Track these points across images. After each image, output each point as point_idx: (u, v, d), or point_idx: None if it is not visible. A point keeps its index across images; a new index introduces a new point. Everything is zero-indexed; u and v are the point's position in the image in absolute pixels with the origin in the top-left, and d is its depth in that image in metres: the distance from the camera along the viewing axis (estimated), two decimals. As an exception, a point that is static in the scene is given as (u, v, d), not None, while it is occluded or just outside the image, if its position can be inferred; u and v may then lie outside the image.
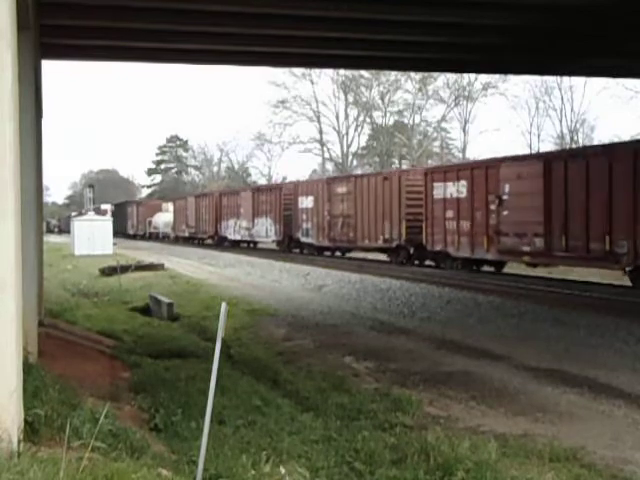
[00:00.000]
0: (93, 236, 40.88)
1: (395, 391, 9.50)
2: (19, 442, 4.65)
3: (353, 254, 35.42)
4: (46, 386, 6.46)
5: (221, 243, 48.15)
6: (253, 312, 17.21)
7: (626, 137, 35.14)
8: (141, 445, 5.78)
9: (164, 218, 64.92)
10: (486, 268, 25.82)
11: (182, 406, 7.69)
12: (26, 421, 5.01)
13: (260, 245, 45.15)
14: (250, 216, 43.01)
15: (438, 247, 26.47)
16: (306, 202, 36.20)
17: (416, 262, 28.59)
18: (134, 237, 69.96)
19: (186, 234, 55.95)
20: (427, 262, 28.57)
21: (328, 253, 35.86)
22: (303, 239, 36.91)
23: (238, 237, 45.95)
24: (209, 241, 51.92)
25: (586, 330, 14.22)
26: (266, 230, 41.10)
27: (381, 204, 29.69)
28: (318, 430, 7.40)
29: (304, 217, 36.43)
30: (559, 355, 12.16)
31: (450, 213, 25.64)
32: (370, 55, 17.24)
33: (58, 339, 11.73)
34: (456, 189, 25.23)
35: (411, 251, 28.68)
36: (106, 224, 43.22)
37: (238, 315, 16.20)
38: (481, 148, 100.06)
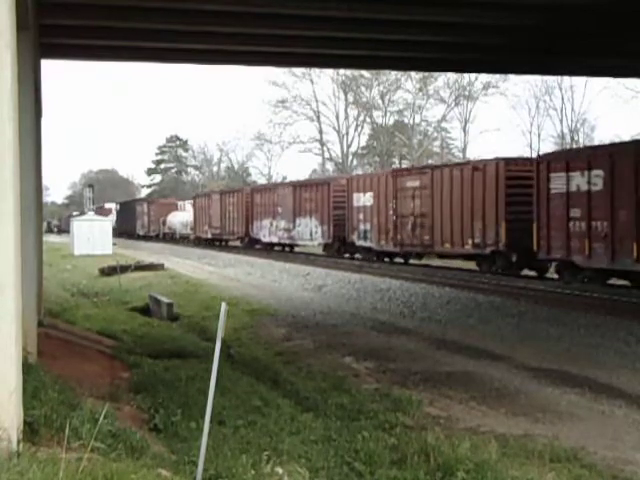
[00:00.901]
0: (93, 236, 40.89)
1: (395, 391, 9.50)
2: (19, 442, 4.64)
3: (425, 261, 30.10)
4: (45, 386, 6.45)
5: (251, 245, 43.20)
6: (253, 312, 17.21)
7: (627, 137, 35.11)
8: (141, 445, 5.77)
9: (181, 218, 58.93)
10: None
11: (182, 406, 7.68)
12: (25, 421, 5.00)
13: (300, 249, 39.66)
14: (290, 216, 37.61)
15: (557, 254, 21.26)
16: (363, 199, 31.18)
17: (509, 272, 23.74)
18: (144, 238, 64.55)
19: (209, 235, 49.81)
20: (526, 272, 24.08)
21: (389, 259, 31.01)
22: (360, 242, 31.71)
23: (274, 239, 40.28)
24: (236, 243, 46.82)
25: (586, 330, 14.21)
26: (310, 232, 35.89)
27: (469, 200, 24.59)
28: (318, 430, 7.39)
29: (360, 217, 31.34)
30: (559, 355, 12.15)
31: (576, 211, 20.40)
32: (371, 55, 17.23)
33: (58, 339, 11.72)
34: (586, 180, 19.96)
35: (513, 258, 23.63)
36: (105, 224, 43.25)
37: (238, 315, 16.20)
38: (481, 148, 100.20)
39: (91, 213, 47.39)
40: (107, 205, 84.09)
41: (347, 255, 33.69)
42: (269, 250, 40.14)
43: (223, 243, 48.96)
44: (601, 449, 7.32)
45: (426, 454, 6.47)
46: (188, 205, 59.09)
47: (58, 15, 13.04)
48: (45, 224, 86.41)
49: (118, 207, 78.26)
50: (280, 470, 5.58)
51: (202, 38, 15.17)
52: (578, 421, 8.45)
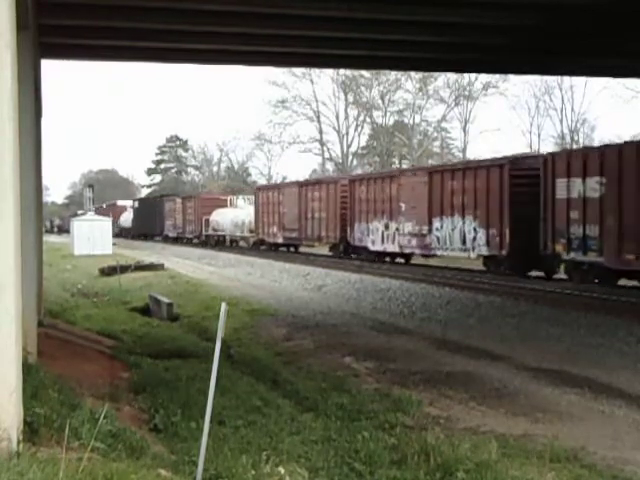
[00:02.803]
0: (93, 236, 40.89)
1: (395, 391, 9.49)
2: (19, 442, 4.64)
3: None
4: (45, 386, 6.45)
5: (347, 254, 32.73)
6: (253, 312, 17.20)
7: (627, 137, 35.01)
8: (141, 445, 5.77)
9: (233, 216, 46.15)
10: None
11: (182, 406, 7.68)
12: (25, 421, 5.00)
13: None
14: (423, 214, 26.96)
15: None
16: (577, 186, 20.43)
17: None
18: (176, 241, 54.29)
19: (279, 239, 39.21)
20: None
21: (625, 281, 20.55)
22: (574, 256, 20.87)
23: (392, 247, 29.44)
24: (322, 250, 36.11)
25: (586, 330, 14.21)
26: (463, 237, 25.02)
27: None
28: (318, 430, 7.39)
29: (575, 215, 20.62)
30: (559, 355, 12.15)
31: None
32: (371, 55, 17.24)
33: (57, 339, 11.72)
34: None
35: None
36: (105, 224, 43.21)
37: (238, 315, 16.19)
38: (481, 148, 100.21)
39: (91, 213, 47.35)
40: (120, 202, 76.72)
41: (540, 273, 23.15)
42: (268, 250, 39.78)
43: (305, 249, 38.69)
44: (601, 449, 7.32)
45: (426, 454, 6.47)
46: (241, 201, 48.73)
47: (58, 15, 13.04)
48: (48, 223, 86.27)
49: (136, 204, 68.06)
50: (282, 470, 5.57)
51: (203, 38, 15.18)
52: (578, 421, 8.44)
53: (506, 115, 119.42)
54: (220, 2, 13.15)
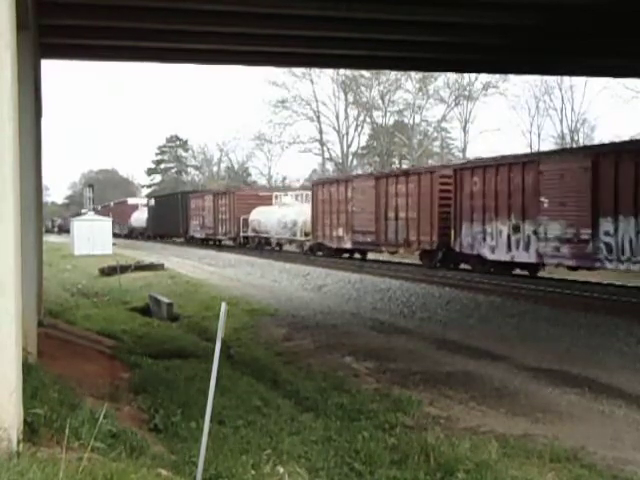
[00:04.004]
0: (93, 236, 40.88)
1: (395, 391, 9.50)
2: (18, 442, 4.64)
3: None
4: (45, 386, 6.45)
5: (447, 262, 26.25)
6: (253, 312, 17.20)
7: (627, 137, 34.96)
8: (141, 445, 5.77)
9: (281, 216, 38.79)
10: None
11: (182, 406, 7.67)
12: (25, 421, 5.00)
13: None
14: (585, 214, 19.72)
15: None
16: None
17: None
18: (204, 244, 48.50)
19: (346, 244, 32.14)
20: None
21: None
22: None
23: (524, 256, 22.50)
24: (412, 258, 29.45)
25: (586, 330, 14.21)
26: None
27: None
28: (318, 430, 7.39)
29: None
30: (559, 355, 12.15)
31: None
32: (371, 55, 17.23)
33: (57, 339, 11.72)
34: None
35: None
36: (105, 224, 43.20)
37: (238, 315, 16.20)
38: (481, 148, 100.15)
39: (91, 213, 47.35)
40: (131, 200, 72.35)
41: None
42: (268, 250, 39.57)
43: (380, 256, 31.65)
44: (601, 449, 7.32)
45: (426, 454, 6.48)
46: (289, 198, 41.80)
47: (58, 15, 13.03)
48: (49, 223, 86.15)
49: (152, 202, 61.83)
50: (282, 470, 5.58)
51: (203, 38, 15.17)
52: (578, 421, 8.45)
53: (506, 115, 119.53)
54: (220, 2, 13.15)
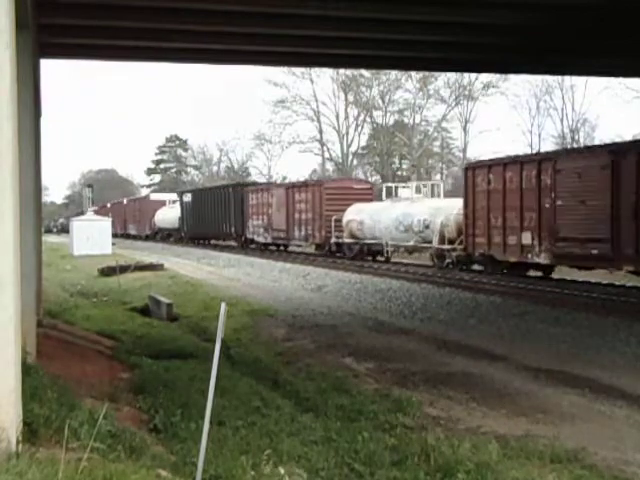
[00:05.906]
0: (92, 236, 40.85)
1: (395, 392, 9.48)
2: (18, 443, 4.63)
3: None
4: (45, 387, 6.43)
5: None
6: (253, 312, 17.18)
7: (628, 137, 34.89)
8: (140, 446, 5.76)
9: (398, 214, 28.40)
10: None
11: (181, 407, 7.66)
12: (25, 422, 4.99)
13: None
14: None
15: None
16: None
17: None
18: (267, 250, 38.28)
19: (543, 259, 20.95)
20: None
21: None
22: None
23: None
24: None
25: (587, 330, 14.20)
26: None
27: None
28: (318, 431, 7.38)
29: None
30: (560, 356, 12.14)
31: None
32: (371, 54, 17.21)
33: (57, 339, 11.71)
34: None
35: None
36: (105, 224, 43.18)
37: (238, 315, 16.18)
38: (482, 148, 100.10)
39: (91, 213, 47.34)
40: (154, 196, 61.67)
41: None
42: (268, 250, 39.64)
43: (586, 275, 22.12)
44: (602, 450, 7.30)
45: (426, 455, 6.46)
46: (407, 191, 31.07)
47: (58, 14, 13.02)
48: (50, 223, 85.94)
49: (187, 197, 50.59)
50: (281, 470, 5.56)
51: (203, 38, 15.15)
52: (579, 422, 8.43)
53: (506, 115, 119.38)
54: (221, 2, 13.13)
